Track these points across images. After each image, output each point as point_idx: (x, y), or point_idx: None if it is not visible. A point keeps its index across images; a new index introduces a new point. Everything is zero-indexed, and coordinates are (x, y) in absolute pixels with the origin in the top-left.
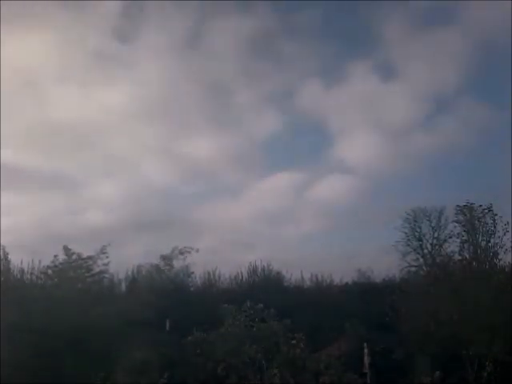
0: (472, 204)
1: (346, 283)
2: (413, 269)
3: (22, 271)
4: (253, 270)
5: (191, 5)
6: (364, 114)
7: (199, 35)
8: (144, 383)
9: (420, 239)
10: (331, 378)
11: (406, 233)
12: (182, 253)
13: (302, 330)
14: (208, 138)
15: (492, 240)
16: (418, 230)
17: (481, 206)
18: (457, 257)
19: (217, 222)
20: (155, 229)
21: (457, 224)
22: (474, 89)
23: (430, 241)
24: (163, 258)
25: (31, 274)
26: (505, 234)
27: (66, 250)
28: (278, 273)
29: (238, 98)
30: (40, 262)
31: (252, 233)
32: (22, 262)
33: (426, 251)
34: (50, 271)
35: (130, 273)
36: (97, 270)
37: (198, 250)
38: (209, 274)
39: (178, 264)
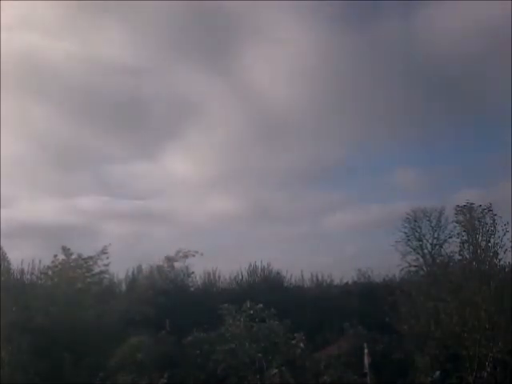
0: (472, 204)
1: (346, 283)
2: (413, 269)
3: (21, 271)
4: (253, 270)
5: None
6: None
7: None
8: (144, 383)
9: (420, 239)
10: (331, 377)
11: (405, 233)
12: (186, 256)
13: (302, 329)
14: None
15: (492, 240)
16: (418, 230)
17: (480, 205)
18: (457, 257)
19: None
20: None
21: (457, 224)
22: None
23: (430, 241)
24: (168, 259)
25: (31, 274)
26: (505, 234)
27: (65, 250)
28: (278, 273)
29: None
30: (40, 261)
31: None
32: (22, 263)
33: (426, 251)
34: (50, 271)
35: (130, 273)
36: (97, 270)
37: (202, 254)
38: (209, 274)
39: (178, 264)
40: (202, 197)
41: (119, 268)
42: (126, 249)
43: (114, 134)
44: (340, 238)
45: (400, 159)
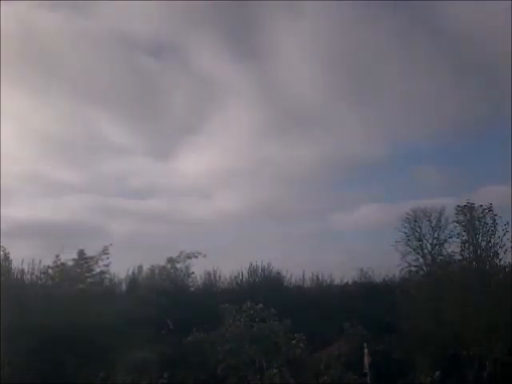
0: (472, 204)
1: (346, 283)
2: (413, 269)
3: (22, 271)
4: (253, 270)
5: None
6: None
7: None
8: (144, 383)
9: (420, 239)
10: (331, 378)
11: (405, 233)
12: (189, 257)
13: (302, 329)
14: None
15: (492, 240)
16: (418, 230)
17: (481, 205)
18: (457, 257)
19: None
20: None
21: (457, 224)
22: None
23: (430, 241)
24: (170, 260)
25: (32, 273)
26: (505, 234)
27: (80, 253)
28: (278, 273)
29: None
30: (40, 261)
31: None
32: (22, 262)
33: (426, 251)
34: (50, 271)
35: (130, 273)
36: (97, 270)
37: (205, 256)
38: (209, 274)
39: (179, 264)
40: (203, 196)
41: (120, 268)
42: (126, 248)
43: (115, 126)
44: (340, 238)
45: (418, 158)
